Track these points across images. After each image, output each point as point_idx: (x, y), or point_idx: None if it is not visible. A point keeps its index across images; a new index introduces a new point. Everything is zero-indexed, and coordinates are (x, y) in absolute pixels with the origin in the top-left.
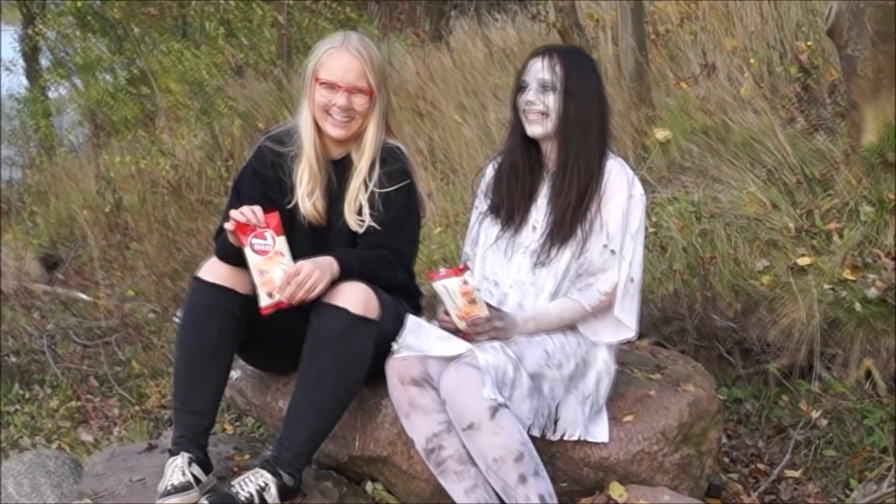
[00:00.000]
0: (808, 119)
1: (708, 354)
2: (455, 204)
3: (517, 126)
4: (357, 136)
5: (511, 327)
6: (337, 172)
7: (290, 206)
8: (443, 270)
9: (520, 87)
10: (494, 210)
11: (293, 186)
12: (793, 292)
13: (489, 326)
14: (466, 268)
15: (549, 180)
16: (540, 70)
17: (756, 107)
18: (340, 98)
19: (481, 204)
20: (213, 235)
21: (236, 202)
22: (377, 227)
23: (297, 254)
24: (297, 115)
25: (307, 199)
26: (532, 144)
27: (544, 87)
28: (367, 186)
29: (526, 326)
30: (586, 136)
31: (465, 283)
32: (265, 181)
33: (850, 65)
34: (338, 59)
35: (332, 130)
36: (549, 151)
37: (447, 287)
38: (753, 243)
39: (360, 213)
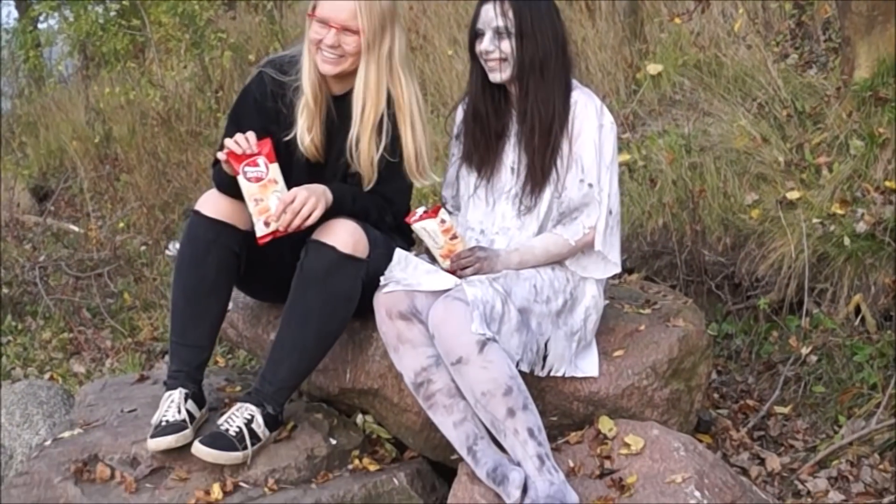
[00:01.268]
0: (801, 55)
1: (698, 289)
2: (445, 137)
3: (478, 72)
4: (353, 74)
5: (494, 257)
6: (338, 109)
7: (287, 140)
8: (420, 211)
9: (475, 34)
10: (467, 158)
11: (294, 120)
12: (782, 226)
13: (473, 258)
14: (441, 206)
15: (517, 119)
16: (493, 17)
17: (749, 42)
18: (330, 36)
19: (455, 149)
20: (210, 165)
21: (234, 131)
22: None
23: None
24: (302, 44)
25: (306, 134)
26: (495, 87)
27: (499, 34)
28: (380, 138)
29: (510, 259)
30: (544, 76)
31: (443, 221)
32: (265, 113)
33: (845, 0)
34: None
35: (322, 66)
36: (514, 92)
37: (426, 228)
38: (743, 177)
39: (359, 159)
